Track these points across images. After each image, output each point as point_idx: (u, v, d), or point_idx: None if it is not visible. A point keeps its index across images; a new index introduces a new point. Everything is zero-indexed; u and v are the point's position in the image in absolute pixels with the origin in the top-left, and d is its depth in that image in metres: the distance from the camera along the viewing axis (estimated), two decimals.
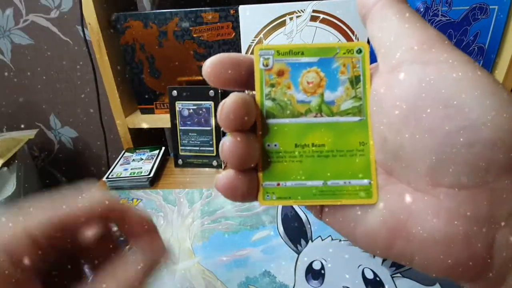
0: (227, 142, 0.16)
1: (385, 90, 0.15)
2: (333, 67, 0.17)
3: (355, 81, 0.17)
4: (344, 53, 0.17)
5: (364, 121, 0.16)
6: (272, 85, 0.17)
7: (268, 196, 0.17)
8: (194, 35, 0.60)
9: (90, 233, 0.18)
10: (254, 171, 0.17)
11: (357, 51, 0.17)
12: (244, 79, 0.17)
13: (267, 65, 0.17)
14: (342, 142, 0.17)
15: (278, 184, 0.17)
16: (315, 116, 0.17)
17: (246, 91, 0.18)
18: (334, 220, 0.17)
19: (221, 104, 0.16)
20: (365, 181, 0.16)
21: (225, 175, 0.17)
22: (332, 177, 0.17)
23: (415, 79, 0.14)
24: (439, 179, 0.13)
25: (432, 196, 0.14)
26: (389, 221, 0.15)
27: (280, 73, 0.17)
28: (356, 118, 0.16)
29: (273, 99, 0.17)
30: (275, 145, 0.17)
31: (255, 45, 0.55)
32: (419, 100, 0.13)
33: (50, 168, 1.15)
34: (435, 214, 0.13)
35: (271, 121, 0.17)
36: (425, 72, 0.13)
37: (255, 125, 0.17)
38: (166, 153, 0.70)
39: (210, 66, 0.16)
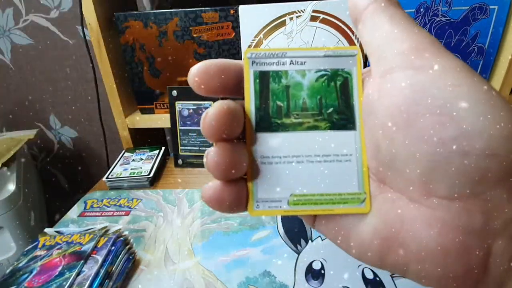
0: (211, 153, 0.15)
1: (377, 96, 0.15)
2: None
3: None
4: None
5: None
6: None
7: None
8: (194, 35, 0.60)
9: None
10: (243, 181, 0.16)
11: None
12: (233, 86, 0.16)
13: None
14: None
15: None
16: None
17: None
18: (327, 229, 0.17)
19: (204, 113, 0.15)
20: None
21: (212, 186, 0.16)
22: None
23: (407, 85, 0.13)
24: (432, 189, 0.13)
25: (426, 206, 0.13)
26: (382, 231, 0.14)
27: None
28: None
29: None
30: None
31: (254, 46, 0.55)
32: (411, 107, 0.13)
33: (50, 168, 1.15)
34: (429, 224, 0.13)
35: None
36: (417, 78, 0.13)
37: (243, 132, 0.16)
38: (166, 153, 0.70)
39: (196, 75, 0.16)
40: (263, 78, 0.17)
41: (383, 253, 0.14)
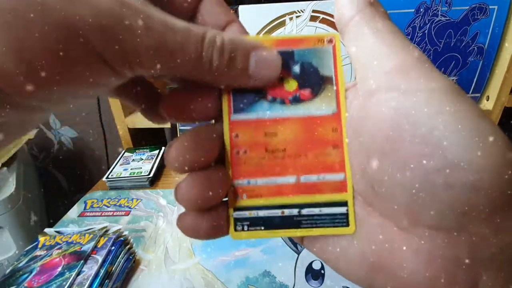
0: (183, 186, 0.14)
1: (362, 116, 0.14)
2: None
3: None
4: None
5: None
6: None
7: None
8: None
9: None
10: (221, 206, 0.16)
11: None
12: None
13: None
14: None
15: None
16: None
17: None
18: (316, 249, 0.16)
19: (168, 145, 0.14)
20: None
21: (186, 215, 0.15)
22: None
23: (391, 110, 0.13)
24: (417, 219, 0.13)
25: (413, 234, 0.13)
26: (369, 256, 0.14)
27: None
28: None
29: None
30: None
31: None
32: (395, 133, 0.12)
33: (50, 168, 1.15)
34: (416, 254, 0.13)
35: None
36: (402, 102, 0.12)
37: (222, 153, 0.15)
38: None
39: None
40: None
41: (371, 277, 0.14)
